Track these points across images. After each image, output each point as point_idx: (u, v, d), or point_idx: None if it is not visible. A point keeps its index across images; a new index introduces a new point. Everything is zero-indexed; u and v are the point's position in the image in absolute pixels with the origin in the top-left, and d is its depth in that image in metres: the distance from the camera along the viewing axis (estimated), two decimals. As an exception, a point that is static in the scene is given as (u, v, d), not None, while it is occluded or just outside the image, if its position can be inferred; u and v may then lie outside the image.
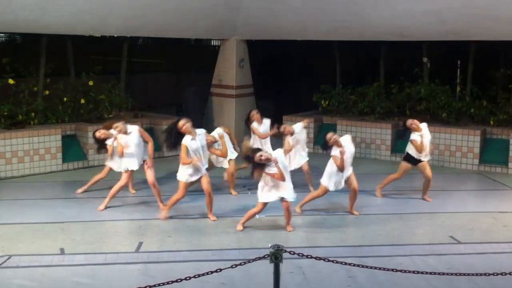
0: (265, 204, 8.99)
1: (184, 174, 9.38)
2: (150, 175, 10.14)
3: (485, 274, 6.39)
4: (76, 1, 12.21)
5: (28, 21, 12.18)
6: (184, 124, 9.28)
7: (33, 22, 12.27)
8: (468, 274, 6.73)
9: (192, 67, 19.86)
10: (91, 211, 10.03)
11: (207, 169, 9.73)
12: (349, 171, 9.73)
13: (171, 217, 9.68)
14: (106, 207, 10.11)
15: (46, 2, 11.82)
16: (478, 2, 12.19)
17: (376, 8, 13.38)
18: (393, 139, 14.37)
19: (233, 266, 6.05)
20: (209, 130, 10.79)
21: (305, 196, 10.12)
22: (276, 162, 8.65)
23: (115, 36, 14.95)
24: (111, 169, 10.84)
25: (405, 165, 10.71)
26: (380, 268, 6.41)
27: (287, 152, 10.29)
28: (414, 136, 10.56)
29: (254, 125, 11.69)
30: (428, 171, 10.59)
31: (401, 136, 11.41)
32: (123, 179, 10.09)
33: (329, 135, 9.63)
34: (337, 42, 16.03)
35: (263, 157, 8.60)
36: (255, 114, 11.79)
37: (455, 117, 14.05)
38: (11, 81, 12.95)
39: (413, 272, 6.35)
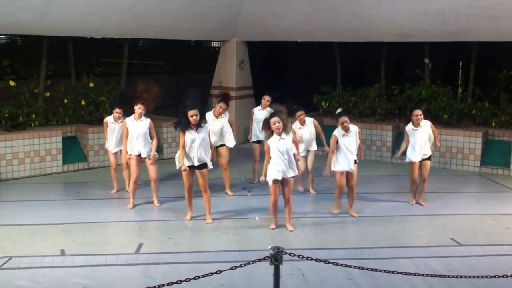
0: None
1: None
2: (153, 170, 10.22)
3: (486, 277, 6.37)
4: (77, 3, 12.21)
5: (29, 23, 12.18)
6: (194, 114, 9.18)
7: (34, 24, 12.27)
8: (469, 277, 6.72)
9: (192, 68, 19.87)
10: (91, 213, 10.03)
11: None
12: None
13: (171, 219, 9.70)
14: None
15: (47, 4, 11.82)
16: (481, 2, 12.16)
17: (378, 8, 13.35)
18: (393, 141, 14.34)
19: (233, 268, 6.04)
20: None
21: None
22: None
23: (116, 38, 14.95)
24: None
25: None
26: (380, 270, 6.39)
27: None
28: None
29: (255, 109, 12.01)
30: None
31: None
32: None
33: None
34: (338, 43, 16.01)
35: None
36: (265, 99, 11.96)
37: (457, 119, 14.01)
38: (12, 83, 12.95)
39: (414, 274, 6.34)
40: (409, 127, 10.47)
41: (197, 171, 9.36)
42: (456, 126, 13.86)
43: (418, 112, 10.36)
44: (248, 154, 12.23)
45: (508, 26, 12.49)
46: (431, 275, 6.53)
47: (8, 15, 11.67)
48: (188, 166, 9.28)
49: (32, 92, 13.33)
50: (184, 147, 9.22)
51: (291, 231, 9.11)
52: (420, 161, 10.38)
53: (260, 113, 11.77)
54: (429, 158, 10.47)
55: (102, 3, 12.52)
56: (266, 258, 5.80)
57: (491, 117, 13.87)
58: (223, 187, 11.28)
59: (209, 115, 10.67)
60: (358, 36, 14.63)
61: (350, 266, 6.33)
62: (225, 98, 11.42)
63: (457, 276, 6.70)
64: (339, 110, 10.36)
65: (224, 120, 11.02)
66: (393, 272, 6.28)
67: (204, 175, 9.38)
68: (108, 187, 11.37)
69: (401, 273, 6.28)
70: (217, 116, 10.94)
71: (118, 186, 11.25)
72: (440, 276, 6.49)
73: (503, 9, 12.08)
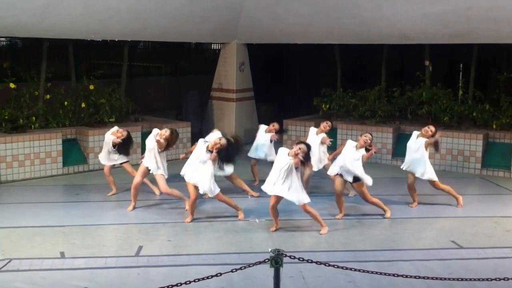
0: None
1: None
2: (159, 185, 10.17)
3: (487, 279, 6.36)
4: (77, 5, 12.21)
5: (29, 25, 12.17)
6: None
7: (34, 26, 12.26)
8: (470, 279, 6.69)
9: (192, 70, 19.87)
10: (91, 215, 10.01)
11: None
12: None
13: (170, 221, 9.68)
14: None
15: (47, 6, 11.81)
16: (481, 4, 12.13)
17: (379, 10, 13.32)
18: (394, 143, 14.32)
19: (233, 271, 6.02)
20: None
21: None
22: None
23: (116, 40, 14.95)
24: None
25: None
26: (381, 273, 6.38)
27: None
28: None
29: (261, 127, 12.13)
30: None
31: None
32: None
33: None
34: (338, 45, 15.99)
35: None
36: (274, 126, 11.98)
37: (457, 121, 13.99)
38: (12, 85, 12.93)
39: (415, 277, 6.31)
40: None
41: None
42: (456, 128, 13.84)
43: (432, 128, 10.50)
44: (247, 157, 12.19)
45: (508, 28, 12.47)
46: (432, 278, 6.50)
47: (8, 17, 11.66)
48: None
49: (32, 94, 13.32)
50: None
51: (321, 234, 9.13)
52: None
53: (262, 135, 11.93)
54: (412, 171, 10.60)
55: (102, 6, 12.52)
56: (267, 260, 5.79)
57: (492, 119, 13.84)
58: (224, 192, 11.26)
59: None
60: (358, 38, 14.62)
61: (351, 269, 6.32)
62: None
63: (457, 279, 6.68)
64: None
65: None
66: (393, 274, 6.26)
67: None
68: (108, 189, 11.35)
69: (402, 275, 6.26)
70: None
71: (116, 189, 11.25)
72: (440, 278, 6.47)
73: (503, 11, 12.07)
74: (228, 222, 9.69)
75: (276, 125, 12.01)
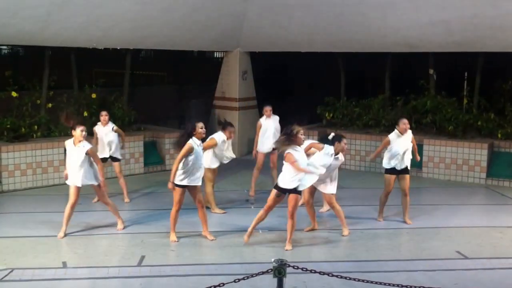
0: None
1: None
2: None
3: (493, 290, 6.30)
4: (80, 13, 12.20)
5: (31, 33, 12.17)
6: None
7: (36, 34, 12.26)
8: (476, 290, 6.65)
9: (195, 79, 19.86)
10: (94, 225, 9.97)
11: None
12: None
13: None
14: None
15: (50, 15, 11.81)
16: (486, 13, 12.11)
17: (384, 19, 13.31)
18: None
19: (236, 281, 5.98)
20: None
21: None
22: None
23: (118, 48, 14.94)
24: None
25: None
26: (385, 284, 6.31)
27: None
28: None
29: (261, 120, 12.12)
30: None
31: None
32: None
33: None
34: (342, 53, 15.96)
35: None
36: (267, 110, 12.02)
37: (462, 130, 13.93)
38: (14, 94, 12.93)
39: (419, 287, 6.24)
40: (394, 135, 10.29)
41: (195, 187, 9.13)
42: (461, 137, 13.77)
43: (406, 121, 10.29)
44: (250, 165, 12.15)
45: (513, 36, 12.45)
46: (437, 289, 6.46)
47: (10, 26, 11.66)
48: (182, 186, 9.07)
49: (34, 103, 13.31)
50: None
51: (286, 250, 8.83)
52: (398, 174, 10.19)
53: (267, 123, 11.87)
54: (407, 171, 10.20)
55: (104, 14, 12.51)
56: (270, 271, 5.74)
57: (496, 128, 13.79)
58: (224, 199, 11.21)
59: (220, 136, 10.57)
60: (362, 46, 14.59)
61: (355, 279, 6.26)
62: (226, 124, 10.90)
63: (463, 290, 6.63)
64: (332, 134, 9.86)
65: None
66: (398, 285, 6.20)
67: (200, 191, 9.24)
68: (112, 198, 11.26)
69: (406, 286, 6.20)
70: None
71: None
72: (446, 289, 6.42)
73: (509, 19, 12.03)
74: (231, 232, 9.63)
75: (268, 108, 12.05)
